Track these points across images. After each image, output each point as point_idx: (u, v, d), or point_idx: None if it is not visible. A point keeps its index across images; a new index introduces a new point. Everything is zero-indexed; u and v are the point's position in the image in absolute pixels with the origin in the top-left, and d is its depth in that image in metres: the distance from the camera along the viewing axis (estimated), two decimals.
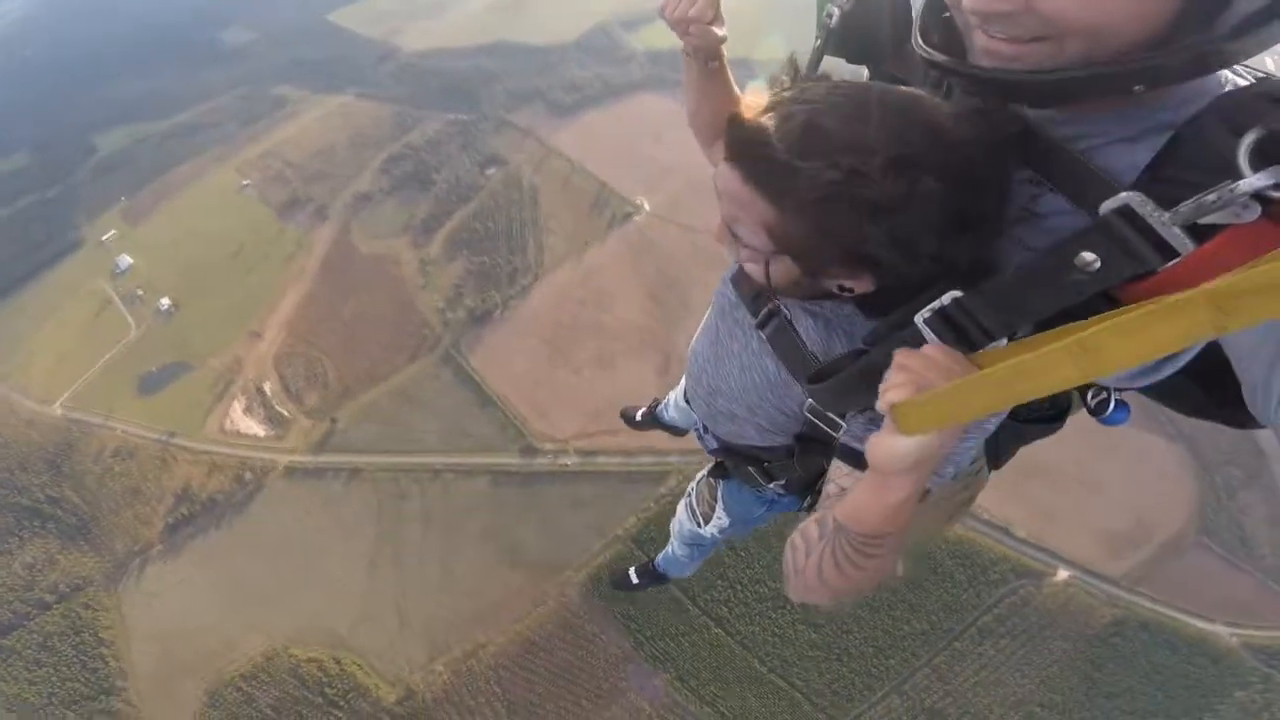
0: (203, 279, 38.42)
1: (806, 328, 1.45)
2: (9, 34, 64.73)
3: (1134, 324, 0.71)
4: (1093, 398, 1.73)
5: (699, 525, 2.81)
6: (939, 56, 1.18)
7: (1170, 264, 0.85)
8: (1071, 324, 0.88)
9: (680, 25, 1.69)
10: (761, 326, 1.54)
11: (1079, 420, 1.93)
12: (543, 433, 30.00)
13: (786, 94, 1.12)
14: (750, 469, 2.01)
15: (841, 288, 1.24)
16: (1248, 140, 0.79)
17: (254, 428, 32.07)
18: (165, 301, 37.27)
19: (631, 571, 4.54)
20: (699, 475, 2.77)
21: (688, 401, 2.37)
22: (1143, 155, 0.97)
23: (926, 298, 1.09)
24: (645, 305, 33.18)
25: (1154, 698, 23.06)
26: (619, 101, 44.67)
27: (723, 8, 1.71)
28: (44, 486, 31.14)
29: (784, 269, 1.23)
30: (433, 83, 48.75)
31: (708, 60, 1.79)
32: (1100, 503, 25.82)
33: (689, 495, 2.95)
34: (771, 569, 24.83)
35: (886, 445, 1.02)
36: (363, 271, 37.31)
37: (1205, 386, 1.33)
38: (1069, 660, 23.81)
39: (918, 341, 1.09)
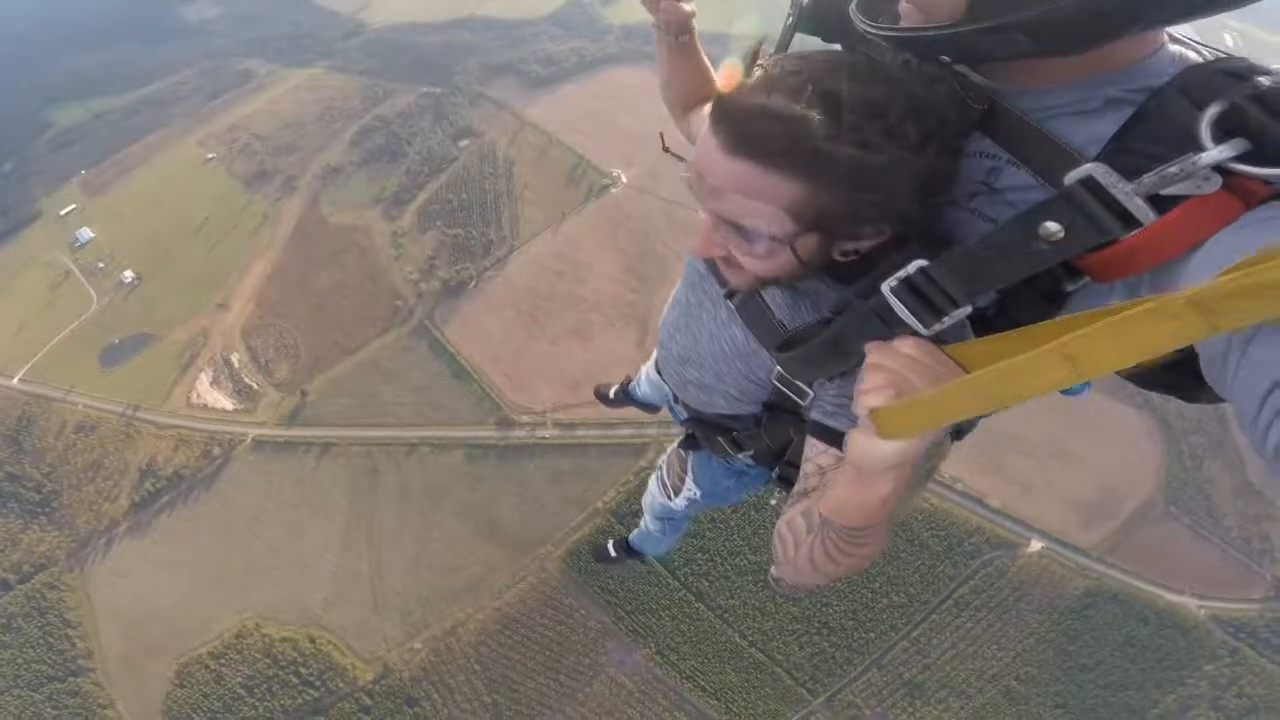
0: (166, 251, 36.64)
1: (773, 296, 1.41)
2: None
3: (1122, 327, 0.68)
4: None
5: (669, 498, 2.76)
6: (861, 20, 1.21)
7: (1132, 234, 0.87)
8: (1050, 321, 0.86)
9: (651, 4, 1.73)
10: (730, 296, 1.52)
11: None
12: (519, 405, 28.88)
13: (771, 72, 1.07)
14: (719, 439, 1.93)
15: (845, 252, 1.20)
16: (1209, 113, 0.81)
17: (221, 400, 30.53)
18: (128, 274, 35.48)
19: (610, 545, 4.52)
20: (670, 448, 2.74)
21: (659, 372, 2.27)
22: (1104, 128, 0.96)
23: (891, 266, 1.07)
24: (622, 277, 32.18)
25: (1127, 671, 22.92)
26: (594, 74, 43.21)
27: None
28: (3, 463, 29.67)
29: (806, 246, 1.17)
30: (404, 56, 46.99)
31: (678, 35, 1.81)
32: (1071, 472, 25.60)
33: (660, 468, 2.92)
34: (751, 542, 24.40)
35: (867, 447, 0.97)
36: (333, 243, 35.65)
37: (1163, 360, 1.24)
38: (1043, 633, 23.60)
39: (884, 310, 1.08)
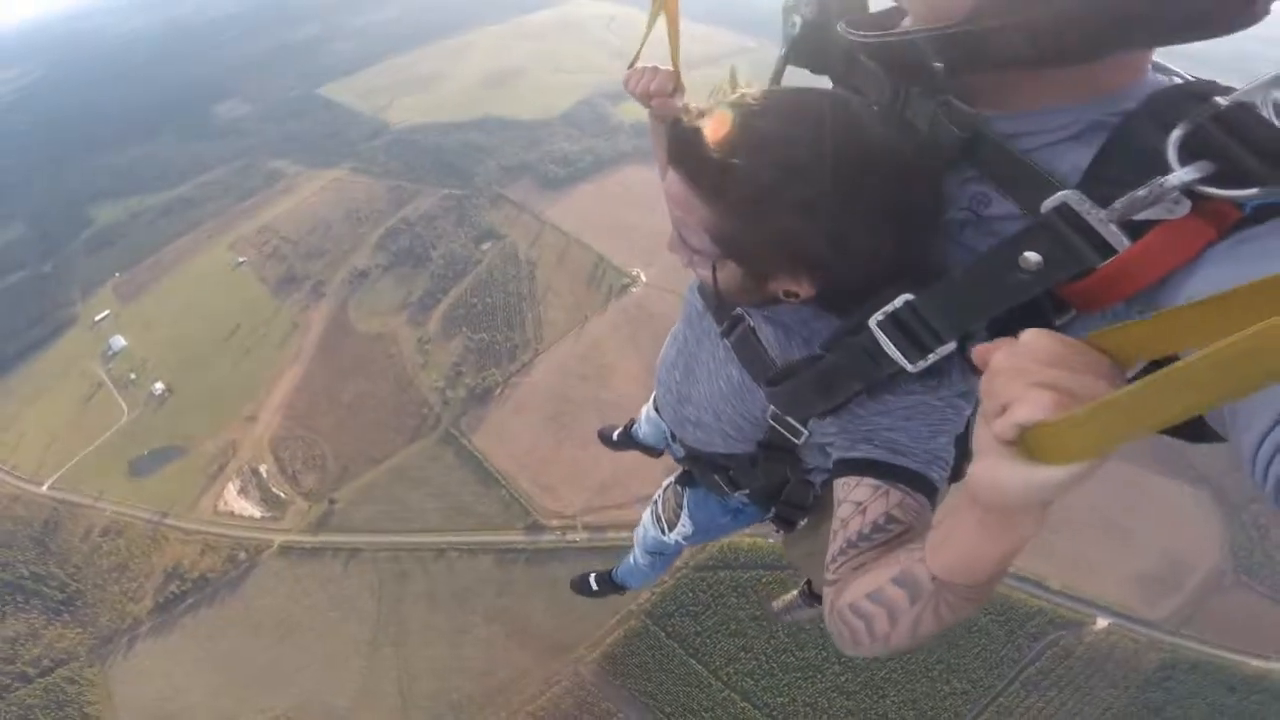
0: (197, 361, 40.39)
1: (767, 335, 1.50)
2: (4, 104, 70.18)
3: None
4: None
5: (663, 533, 2.88)
6: (850, 31, 1.30)
7: (1108, 261, 0.92)
8: (1209, 299, 0.62)
9: (644, 99, 1.89)
10: (726, 335, 1.61)
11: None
12: (549, 509, 31.28)
13: (726, 100, 1.20)
14: (716, 477, 2.08)
15: (787, 293, 1.29)
16: (1175, 136, 0.86)
17: (249, 509, 33.38)
18: (159, 385, 39.11)
19: (591, 578, 4.58)
20: (666, 482, 2.84)
21: (657, 410, 2.44)
22: (1084, 155, 1.01)
23: (879, 301, 1.14)
24: (647, 379, 33.38)
25: None
26: (610, 173, 48.38)
27: (685, 76, 1.86)
28: (29, 563, 32.38)
29: (730, 273, 1.31)
30: (426, 157, 52.48)
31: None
32: (1129, 550, 27.22)
33: (655, 503, 2.98)
34: (797, 638, 25.95)
35: (1018, 478, 0.73)
36: (360, 351, 39.40)
37: None
38: (1122, 708, 24.64)
39: (873, 346, 1.14)
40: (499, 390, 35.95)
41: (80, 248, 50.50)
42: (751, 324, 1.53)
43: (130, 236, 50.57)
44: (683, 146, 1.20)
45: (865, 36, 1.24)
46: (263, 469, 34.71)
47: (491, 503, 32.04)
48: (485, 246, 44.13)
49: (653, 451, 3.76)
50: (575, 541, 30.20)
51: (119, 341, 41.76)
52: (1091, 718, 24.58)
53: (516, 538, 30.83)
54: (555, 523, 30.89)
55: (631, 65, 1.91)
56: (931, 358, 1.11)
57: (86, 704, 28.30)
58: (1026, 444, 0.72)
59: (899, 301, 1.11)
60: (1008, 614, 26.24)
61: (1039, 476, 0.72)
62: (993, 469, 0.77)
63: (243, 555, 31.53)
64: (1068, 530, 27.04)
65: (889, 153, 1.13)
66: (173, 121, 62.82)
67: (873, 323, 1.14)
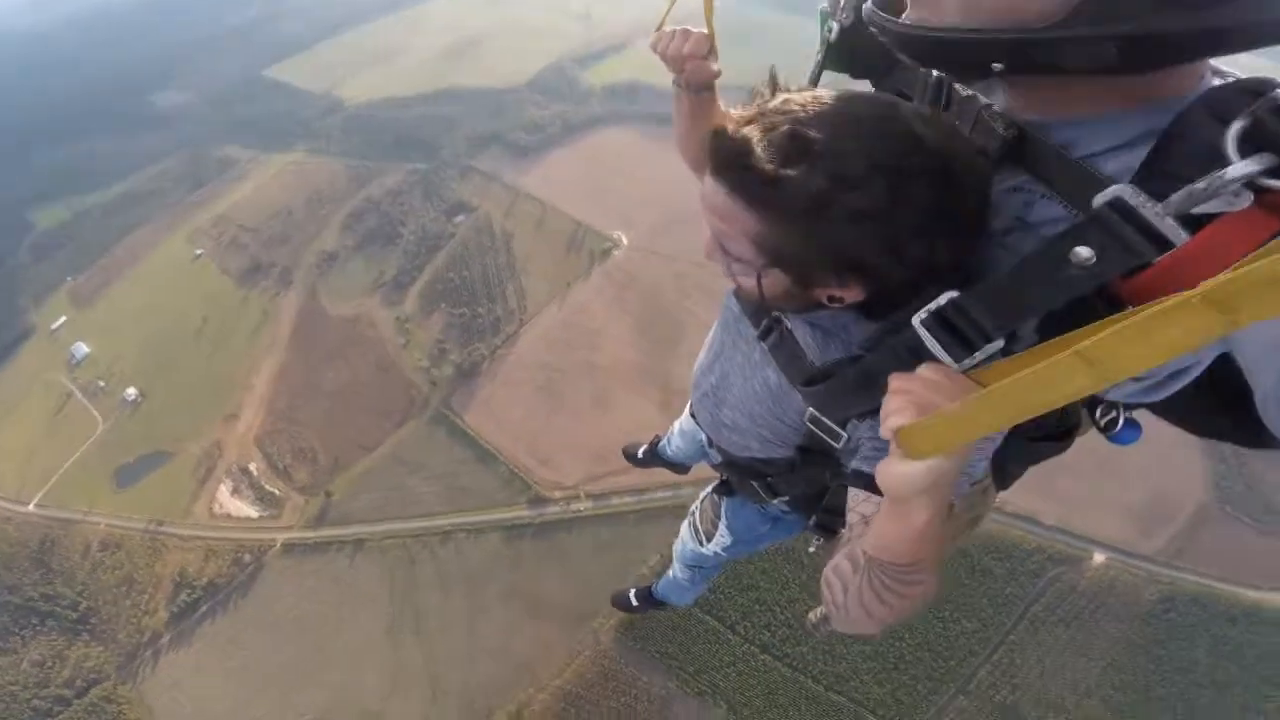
0: (167, 361, 39.75)
1: (805, 337, 1.54)
2: None
3: (1139, 327, 0.72)
4: (1102, 416, 1.81)
5: (701, 544, 2.93)
6: (873, 10, 1.31)
7: (1165, 255, 0.92)
8: (1074, 332, 0.94)
9: (675, 62, 1.83)
10: (763, 338, 1.66)
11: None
12: (550, 481, 31.58)
13: (768, 105, 1.23)
14: (754, 484, 2.13)
15: (831, 298, 1.35)
16: (1234, 129, 0.87)
17: (245, 509, 33.27)
18: (131, 391, 38.35)
19: (631, 594, 4.72)
20: (703, 493, 2.90)
21: (693, 416, 2.45)
22: (1136, 158, 1.03)
23: (922, 300, 1.16)
24: (636, 340, 35.23)
25: (1229, 670, 24.61)
26: (581, 138, 47.90)
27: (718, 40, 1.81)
28: (35, 584, 32.13)
29: (775, 281, 1.34)
30: (385, 133, 51.66)
31: (699, 90, 1.91)
32: (1117, 483, 27.86)
33: (692, 514, 3.06)
34: (808, 587, 26.22)
35: (897, 471, 1.07)
36: (337, 336, 39.07)
37: (1219, 404, 1.34)
38: (1129, 640, 25.50)
39: (915, 345, 1.17)
40: (486, 364, 35.95)
41: (25, 255, 49.12)
42: (789, 326, 1.59)
43: (78, 238, 49.27)
44: (728, 157, 1.21)
45: (913, 30, 1.21)
46: (252, 467, 34.55)
47: (491, 479, 32.23)
48: (458, 220, 43.70)
49: (679, 468, 3.95)
50: (581, 511, 30.61)
51: (81, 349, 40.92)
52: (1100, 651, 25.44)
53: (521, 513, 31.09)
54: (558, 494, 31.17)
55: (659, 28, 1.87)
56: (979, 355, 1.12)
57: None
58: (900, 444, 1.05)
59: (944, 299, 1.14)
60: (1006, 551, 27.11)
61: (907, 469, 1.06)
62: (884, 465, 1.11)
63: (247, 558, 31.53)
64: (1057, 466, 27.38)
65: (939, 157, 1.16)
66: (108, 114, 60.87)
67: (916, 320, 1.16)
